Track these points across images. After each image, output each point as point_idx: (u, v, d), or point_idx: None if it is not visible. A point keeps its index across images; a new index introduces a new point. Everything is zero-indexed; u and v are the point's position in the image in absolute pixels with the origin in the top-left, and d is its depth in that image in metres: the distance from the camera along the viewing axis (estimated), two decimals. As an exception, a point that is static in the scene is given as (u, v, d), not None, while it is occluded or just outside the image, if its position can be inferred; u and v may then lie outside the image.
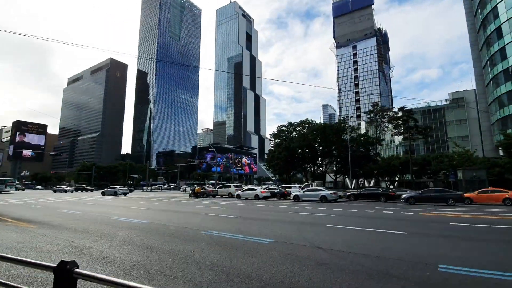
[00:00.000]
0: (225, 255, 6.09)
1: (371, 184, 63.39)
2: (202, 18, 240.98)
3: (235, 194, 31.35)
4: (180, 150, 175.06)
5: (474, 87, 58.95)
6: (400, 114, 45.32)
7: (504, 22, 44.11)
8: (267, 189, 32.19)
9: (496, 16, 45.85)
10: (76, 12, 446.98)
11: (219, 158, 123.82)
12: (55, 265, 2.03)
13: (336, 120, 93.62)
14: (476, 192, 22.19)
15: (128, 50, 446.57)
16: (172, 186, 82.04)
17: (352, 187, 59.53)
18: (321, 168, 59.36)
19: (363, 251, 6.56)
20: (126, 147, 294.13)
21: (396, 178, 56.52)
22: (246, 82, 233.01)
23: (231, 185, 36.40)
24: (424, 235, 9.00)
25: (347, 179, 62.82)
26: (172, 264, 5.38)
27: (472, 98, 62.79)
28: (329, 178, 61.34)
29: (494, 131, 50.89)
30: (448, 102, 67.11)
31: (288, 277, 4.72)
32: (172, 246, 6.96)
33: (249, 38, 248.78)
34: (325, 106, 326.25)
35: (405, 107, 44.75)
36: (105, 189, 42.75)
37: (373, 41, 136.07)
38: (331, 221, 12.08)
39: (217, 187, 38.26)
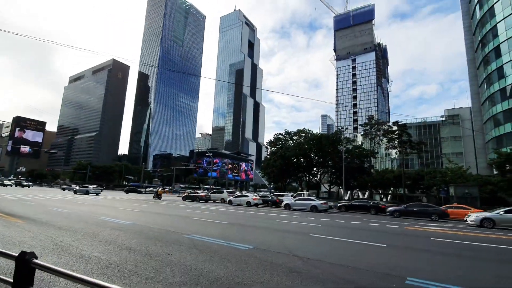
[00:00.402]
0: (202, 259, 6.23)
1: (365, 196, 63.51)
2: (206, 24, 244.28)
3: (227, 200, 31.42)
4: (178, 154, 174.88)
5: (470, 105, 59.78)
6: (394, 128, 45.85)
7: (503, 42, 44.97)
8: (259, 197, 32.30)
9: (495, 35, 46.76)
10: (80, 12, 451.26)
11: (218, 162, 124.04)
12: (16, 254, 2.24)
13: (334, 131, 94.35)
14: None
15: (130, 51, 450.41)
16: (167, 189, 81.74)
17: (347, 198, 59.64)
18: (316, 178, 59.52)
19: (339, 261, 6.71)
20: (124, 148, 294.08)
21: (390, 192, 56.73)
22: (246, 89, 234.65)
23: (224, 190, 36.48)
24: (402, 248, 9.17)
25: (341, 190, 62.97)
26: (147, 266, 5.52)
27: (467, 115, 63.56)
28: (324, 188, 61.43)
29: (488, 149, 51.40)
30: (443, 119, 67.91)
31: (257, 282, 4.88)
32: (151, 248, 7.09)
33: (252, 46, 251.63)
34: (324, 117, 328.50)
35: (400, 121, 45.39)
36: (78, 188, 43.39)
37: (372, 55, 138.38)
38: (316, 230, 12.21)
39: (210, 192, 38.33)
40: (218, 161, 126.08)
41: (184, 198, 36.45)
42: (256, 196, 32.46)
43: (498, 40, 45.73)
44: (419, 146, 42.50)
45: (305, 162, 56.15)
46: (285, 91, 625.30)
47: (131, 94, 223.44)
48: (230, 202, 30.61)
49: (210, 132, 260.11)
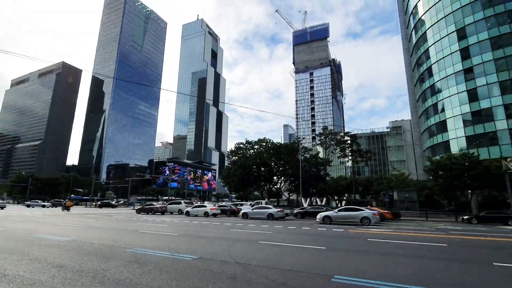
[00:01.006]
0: (139, 272, 6.15)
1: (323, 203, 66.56)
2: (167, 31, 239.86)
3: (185, 211, 30.71)
4: (135, 164, 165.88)
5: (410, 118, 66.93)
6: (346, 138, 49.42)
7: (434, 63, 51.46)
8: (218, 206, 32.15)
9: (428, 57, 53.38)
10: (27, 8, 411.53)
11: (180, 172, 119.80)
12: None
13: (293, 140, 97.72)
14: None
15: (83, 54, 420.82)
16: (122, 201, 76.71)
17: (307, 205, 61.86)
18: (276, 187, 60.81)
19: (277, 265, 7.06)
20: (73, 159, 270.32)
21: (344, 197, 60.24)
22: (209, 98, 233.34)
23: (182, 201, 35.52)
24: (340, 250, 9.94)
25: (301, 197, 65.21)
26: (76, 282, 5.35)
27: (408, 127, 70.97)
28: (284, 196, 63.02)
29: (425, 157, 57.72)
30: (388, 130, 74.99)
31: (189, 290, 5.04)
32: (86, 264, 6.82)
33: (215, 56, 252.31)
34: (286, 126, 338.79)
35: (350, 132, 49.16)
36: None
37: (327, 70, 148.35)
38: (266, 237, 12.63)
39: (167, 203, 37.07)
40: (179, 171, 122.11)
41: (138, 211, 34.73)
42: (214, 206, 32.22)
43: (430, 62, 52.28)
44: (367, 155, 46.28)
45: (265, 171, 57.21)
46: (248, 101, 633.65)
47: (83, 100, 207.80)
48: (187, 213, 29.97)
49: (171, 141, 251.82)
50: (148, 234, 13.39)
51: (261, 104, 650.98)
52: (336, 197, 59.90)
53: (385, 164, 73.41)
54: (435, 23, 51.37)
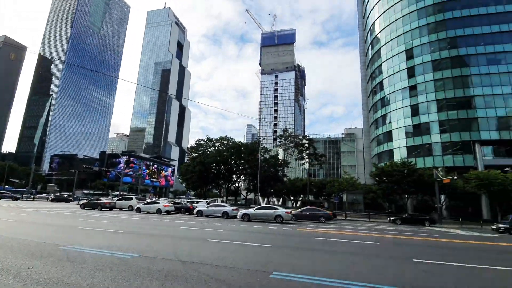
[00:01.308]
0: (69, 271, 5.80)
1: (280, 203, 68.56)
2: (131, 17, 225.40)
3: (136, 208, 29.29)
4: (84, 155, 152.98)
5: (362, 126, 72.31)
6: (304, 141, 51.80)
7: (385, 78, 56.23)
8: (172, 203, 31.27)
9: (381, 72, 58.14)
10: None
11: (135, 166, 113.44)
12: None
13: (253, 140, 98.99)
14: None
15: (29, 30, 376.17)
16: (66, 195, 70.20)
17: (264, 204, 63.08)
18: (235, 185, 61.03)
19: (220, 262, 7.15)
20: (10, 145, 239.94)
21: (300, 198, 62.78)
22: (172, 91, 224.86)
23: (133, 197, 33.79)
24: (284, 248, 10.41)
25: (258, 196, 66.30)
26: (-7, 282, 4.91)
27: (360, 135, 76.65)
28: (243, 195, 63.51)
29: (372, 163, 62.80)
30: (343, 136, 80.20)
31: (121, 290, 4.88)
32: (9, 262, 6.23)
33: (181, 48, 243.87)
34: (249, 126, 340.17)
35: (308, 136, 51.59)
36: None
37: (292, 74, 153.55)
38: (215, 236, 12.65)
39: (116, 199, 34.96)
40: (134, 165, 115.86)
41: (83, 206, 32.18)
42: (168, 203, 31.28)
43: (382, 76, 57.04)
44: (321, 159, 48.90)
45: (225, 169, 57.06)
46: (214, 97, 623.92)
47: (27, 81, 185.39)
48: (138, 210, 28.61)
49: (128, 133, 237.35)
50: (89, 231, 12.58)
51: (227, 102, 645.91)
52: (292, 198, 62.11)
53: (338, 168, 78.24)
54: (389, 41, 56.16)
